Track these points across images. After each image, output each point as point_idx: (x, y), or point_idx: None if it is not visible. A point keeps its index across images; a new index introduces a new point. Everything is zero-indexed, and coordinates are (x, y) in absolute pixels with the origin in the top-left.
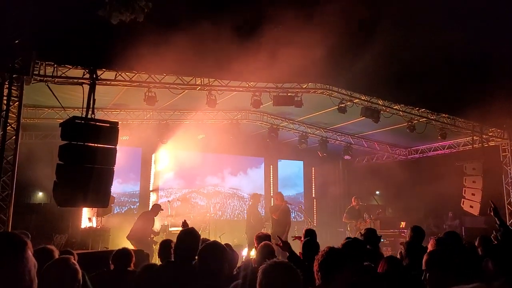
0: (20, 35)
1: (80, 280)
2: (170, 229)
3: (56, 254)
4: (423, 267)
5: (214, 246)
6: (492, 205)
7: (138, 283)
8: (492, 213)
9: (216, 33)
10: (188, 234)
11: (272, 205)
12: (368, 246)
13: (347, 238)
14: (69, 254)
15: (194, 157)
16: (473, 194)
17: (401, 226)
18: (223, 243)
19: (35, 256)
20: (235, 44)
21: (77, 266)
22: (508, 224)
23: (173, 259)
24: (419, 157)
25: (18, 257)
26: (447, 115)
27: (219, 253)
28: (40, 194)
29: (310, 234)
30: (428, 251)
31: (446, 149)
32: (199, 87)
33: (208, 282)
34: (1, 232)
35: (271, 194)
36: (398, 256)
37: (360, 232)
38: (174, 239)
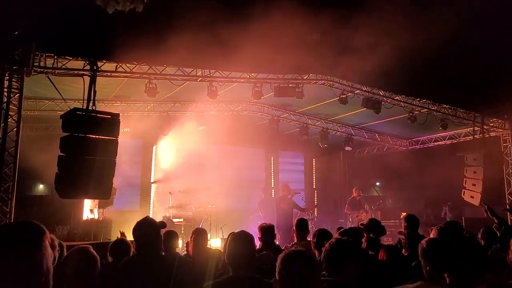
0: (20, 26)
1: (99, 267)
2: (172, 220)
3: (56, 243)
4: (420, 256)
5: (241, 236)
6: (486, 207)
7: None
8: (488, 215)
9: (217, 24)
10: (144, 225)
11: (278, 196)
12: (371, 235)
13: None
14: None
15: (194, 149)
16: (473, 185)
17: (401, 217)
18: (224, 234)
19: None
20: (236, 35)
21: (96, 255)
22: (509, 217)
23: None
24: (420, 148)
25: (37, 246)
26: (448, 106)
27: (248, 241)
28: (42, 186)
29: (304, 224)
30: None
31: (447, 139)
32: (200, 78)
33: (239, 273)
34: (22, 220)
35: (272, 186)
36: (402, 244)
37: (362, 223)
38: (177, 231)
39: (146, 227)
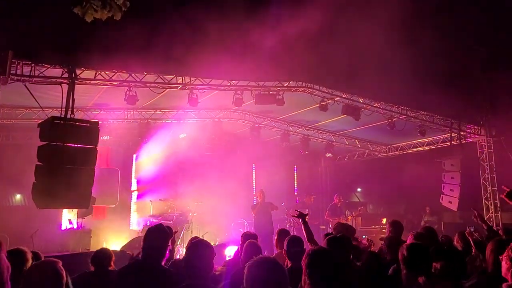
0: None
1: (64, 284)
2: None
3: (29, 255)
4: (401, 263)
5: (199, 244)
6: (476, 213)
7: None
8: (478, 220)
9: (197, 32)
10: (155, 232)
11: (254, 203)
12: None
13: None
14: (37, 256)
15: (175, 157)
16: (451, 190)
17: (382, 222)
18: None
19: (8, 257)
20: (217, 42)
21: (62, 271)
22: (485, 219)
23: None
24: (399, 154)
25: None
26: (425, 113)
27: (206, 250)
28: (19, 196)
29: (284, 234)
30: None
31: (425, 146)
32: (181, 85)
33: (195, 282)
34: None
35: (253, 193)
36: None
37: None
38: None
39: (160, 235)
